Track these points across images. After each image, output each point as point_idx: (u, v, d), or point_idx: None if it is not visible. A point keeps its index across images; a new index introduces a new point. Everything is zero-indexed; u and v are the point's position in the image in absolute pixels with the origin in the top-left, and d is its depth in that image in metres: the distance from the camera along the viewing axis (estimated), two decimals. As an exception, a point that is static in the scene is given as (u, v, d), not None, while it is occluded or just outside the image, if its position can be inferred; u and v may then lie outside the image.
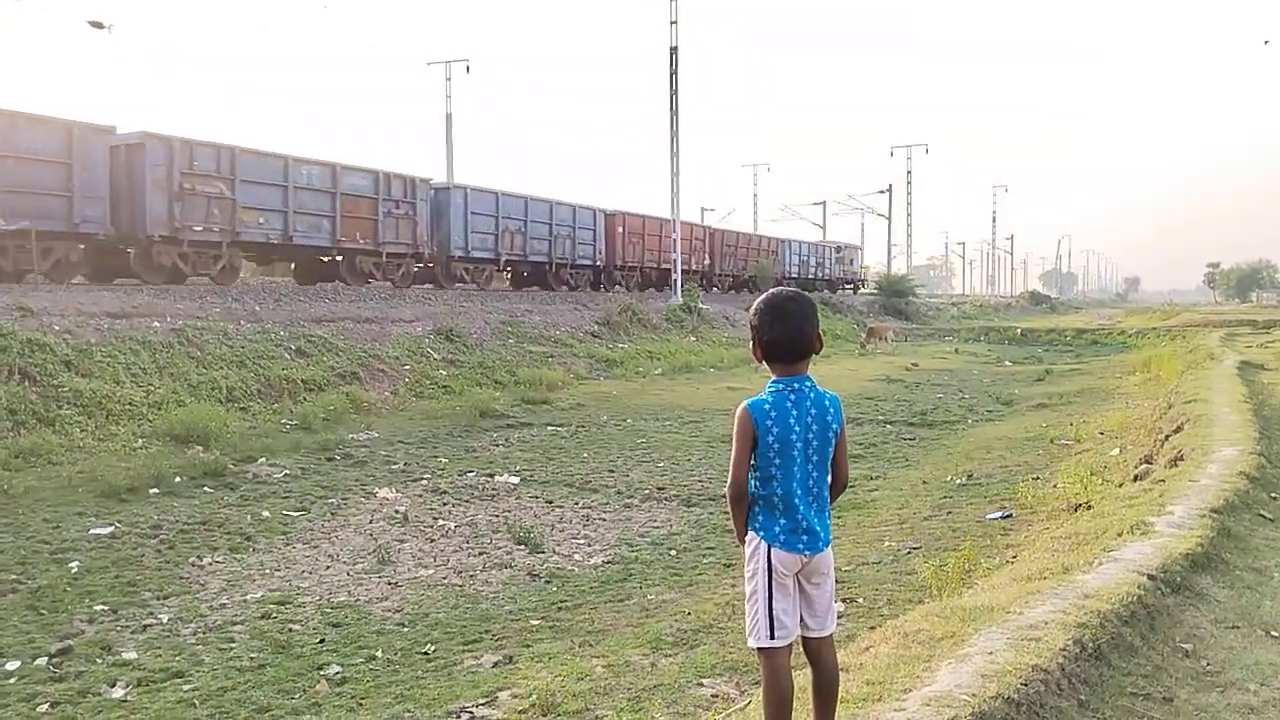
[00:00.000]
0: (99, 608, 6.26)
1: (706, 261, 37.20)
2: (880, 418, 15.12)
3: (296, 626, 6.09)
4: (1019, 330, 40.18)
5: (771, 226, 63.48)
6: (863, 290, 55.05)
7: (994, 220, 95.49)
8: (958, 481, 10.04)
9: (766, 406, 2.79)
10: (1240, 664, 3.91)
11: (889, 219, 66.39)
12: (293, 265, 22.65)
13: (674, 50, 31.84)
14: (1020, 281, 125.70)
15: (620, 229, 30.97)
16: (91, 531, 7.75)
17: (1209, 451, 7.89)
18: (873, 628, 4.86)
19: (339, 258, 21.06)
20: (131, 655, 5.54)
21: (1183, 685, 3.70)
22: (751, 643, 2.85)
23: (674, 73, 31.86)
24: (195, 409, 11.57)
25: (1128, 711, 3.45)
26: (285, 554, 7.66)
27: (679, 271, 31.64)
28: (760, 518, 2.83)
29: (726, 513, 3.17)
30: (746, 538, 2.87)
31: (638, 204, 55.10)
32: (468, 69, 40.62)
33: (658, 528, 8.60)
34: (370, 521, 8.62)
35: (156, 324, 13.83)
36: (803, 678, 2.92)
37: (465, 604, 6.56)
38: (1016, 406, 16.70)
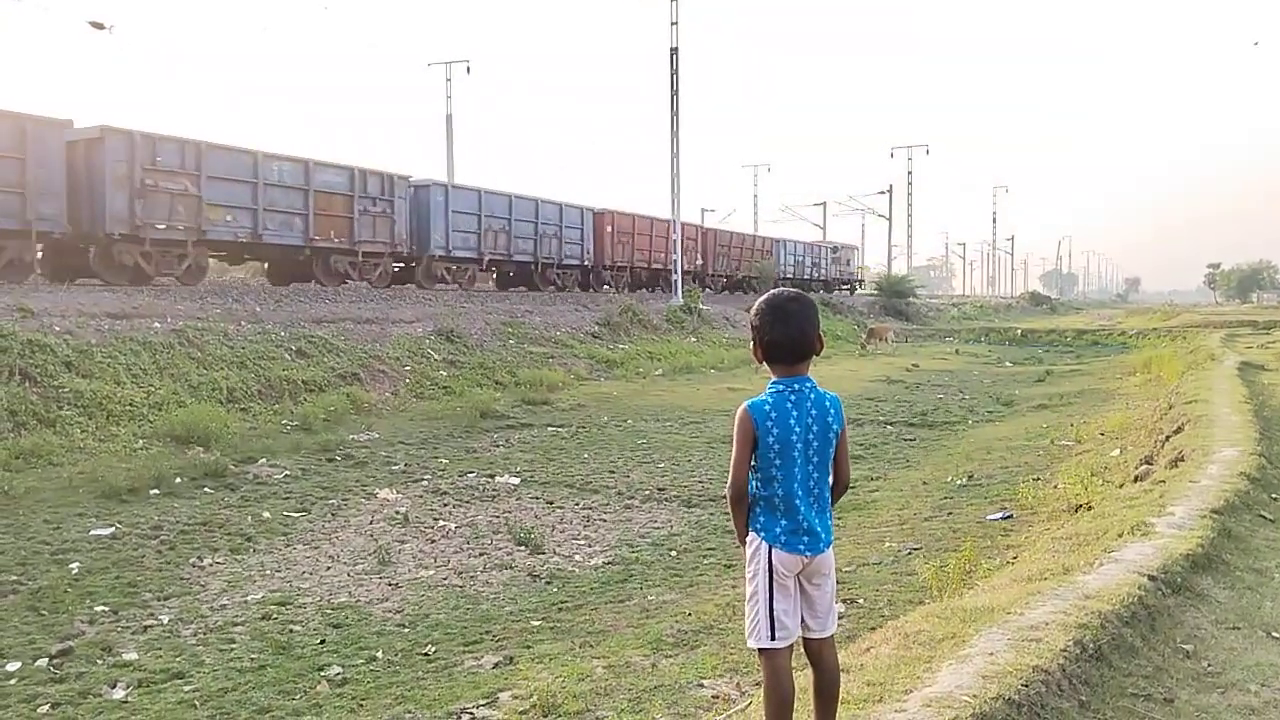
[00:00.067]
0: (99, 609, 6.26)
1: (699, 261, 37.14)
2: (881, 418, 15.12)
3: (297, 627, 6.09)
4: (1019, 331, 40.20)
5: (772, 227, 63.61)
6: (860, 291, 55.04)
7: (994, 221, 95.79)
8: (958, 482, 10.04)
9: (767, 407, 2.79)
10: (1241, 665, 3.91)
11: (889, 220, 66.57)
12: (265, 265, 22.03)
13: (674, 51, 31.88)
14: (1020, 282, 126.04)
15: (609, 228, 30.65)
16: (92, 532, 7.75)
17: (1209, 452, 7.88)
18: (873, 628, 4.86)
19: (312, 257, 20.20)
20: (132, 656, 5.54)
21: (1183, 686, 3.70)
22: (752, 643, 2.85)
23: (674, 73, 31.89)
24: (196, 410, 11.57)
25: (1128, 712, 3.44)
26: (286, 555, 7.66)
27: (679, 272, 31.66)
28: (761, 518, 2.83)
29: (727, 513, 3.16)
30: (747, 538, 2.87)
31: (638, 204, 55.27)
32: (468, 70, 40.88)
33: (658, 528, 8.60)
34: (371, 522, 8.62)
35: (157, 325, 13.84)
36: (803, 679, 2.92)
37: (466, 605, 6.56)
38: (1017, 407, 16.68)
